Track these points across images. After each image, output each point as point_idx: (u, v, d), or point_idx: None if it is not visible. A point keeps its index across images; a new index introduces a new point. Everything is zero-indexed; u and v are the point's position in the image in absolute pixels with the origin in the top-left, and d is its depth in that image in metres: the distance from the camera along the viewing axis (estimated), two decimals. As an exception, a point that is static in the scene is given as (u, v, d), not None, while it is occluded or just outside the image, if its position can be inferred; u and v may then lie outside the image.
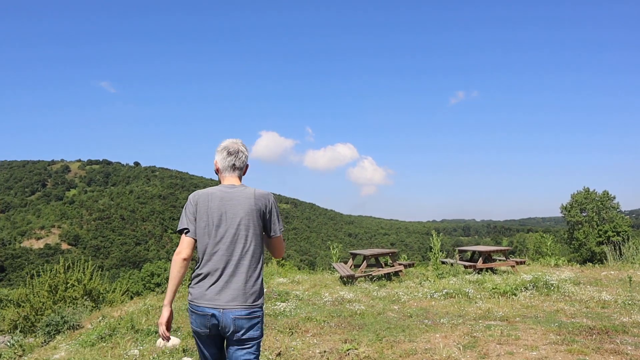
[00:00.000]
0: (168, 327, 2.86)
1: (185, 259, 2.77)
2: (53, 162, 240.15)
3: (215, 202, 2.79)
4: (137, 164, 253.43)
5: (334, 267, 12.82)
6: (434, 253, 15.85)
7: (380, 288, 10.18)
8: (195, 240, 2.80)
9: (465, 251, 14.13)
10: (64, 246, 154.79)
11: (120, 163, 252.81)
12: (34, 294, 13.18)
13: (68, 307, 11.38)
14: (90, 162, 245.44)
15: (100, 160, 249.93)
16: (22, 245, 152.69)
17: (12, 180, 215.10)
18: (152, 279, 59.74)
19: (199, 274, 2.75)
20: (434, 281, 10.29)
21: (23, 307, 13.02)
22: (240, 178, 2.99)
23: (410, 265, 11.87)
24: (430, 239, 15.92)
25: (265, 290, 7.86)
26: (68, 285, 12.93)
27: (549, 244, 17.57)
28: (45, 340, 8.57)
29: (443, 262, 13.62)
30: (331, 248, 15.82)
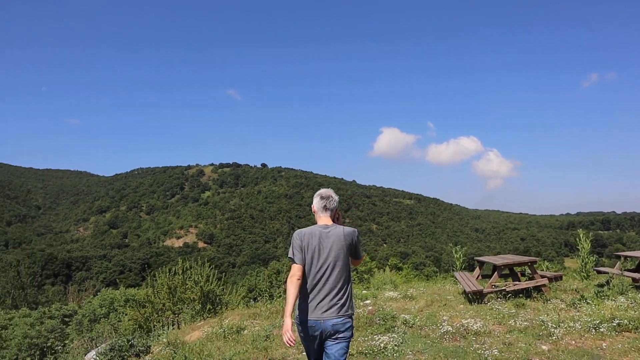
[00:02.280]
0: (290, 334, 3.51)
1: (297, 280, 3.64)
2: (189, 167, 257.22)
3: (316, 239, 3.74)
4: (264, 165, 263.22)
5: (456, 278, 10.45)
6: (582, 258, 12.77)
7: (518, 310, 7.71)
8: (302, 266, 3.70)
9: (629, 257, 10.96)
10: (201, 244, 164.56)
11: (248, 165, 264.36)
12: (154, 295, 12.84)
13: (186, 308, 11.32)
14: (221, 166, 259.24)
15: (231, 163, 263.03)
16: (164, 244, 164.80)
17: (155, 185, 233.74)
18: (278, 276, 60.36)
19: (305, 295, 3.69)
20: (595, 303, 7.57)
21: (146, 307, 12.76)
22: (331, 218, 3.91)
23: (557, 279, 9.13)
24: (577, 239, 12.92)
25: (370, 308, 8.59)
26: (187, 286, 12.48)
27: None
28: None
29: (599, 272, 10.65)
30: (454, 252, 13.37)
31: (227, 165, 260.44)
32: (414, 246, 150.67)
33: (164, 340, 7.88)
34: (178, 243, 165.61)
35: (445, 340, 6.27)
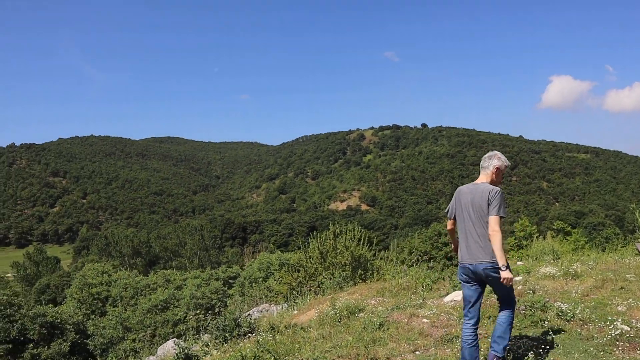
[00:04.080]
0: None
1: (449, 231, 4.64)
2: (350, 132, 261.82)
3: (465, 196, 4.34)
4: (424, 125, 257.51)
5: (638, 249, 8.08)
6: None
7: None
8: (452, 219, 4.52)
9: None
10: (364, 207, 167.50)
11: (408, 126, 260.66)
12: (306, 259, 12.86)
13: (338, 272, 11.16)
14: (381, 129, 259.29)
15: (390, 125, 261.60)
16: (329, 207, 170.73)
17: (319, 151, 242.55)
18: (440, 239, 58.17)
19: (459, 243, 4.40)
20: None
21: (299, 272, 12.83)
22: (487, 176, 4.40)
23: None
24: None
25: (519, 288, 6.92)
26: (338, 251, 12.31)
27: None
28: (207, 348, 6.74)
29: None
30: (636, 214, 10.69)
31: (387, 127, 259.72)
32: (592, 204, 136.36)
33: (268, 323, 7.02)
34: (342, 206, 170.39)
35: (618, 348, 4.39)
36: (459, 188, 4.48)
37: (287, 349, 5.32)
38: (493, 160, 4.36)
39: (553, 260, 9.65)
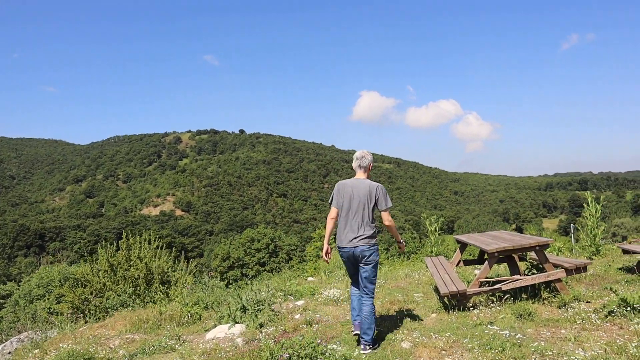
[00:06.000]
0: (328, 255, 4.97)
1: (332, 219, 4.86)
2: (166, 134, 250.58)
3: (348, 189, 4.82)
4: (242, 131, 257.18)
5: (427, 266, 7.33)
6: (590, 227, 9.87)
7: (524, 325, 4.70)
8: (336, 209, 4.85)
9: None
10: (178, 212, 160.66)
11: (226, 131, 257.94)
12: (93, 274, 11.32)
13: (129, 288, 10.14)
14: (199, 132, 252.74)
15: (208, 130, 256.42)
16: (141, 212, 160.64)
17: (132, 153, 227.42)
18: (253, 245, 56.95)
19: (339, 229, 4.81)
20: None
21: (85, 287, 11.24)
22: (364, 173, 4.94)
23: (579, 270, 5.90)
24: (587, 206, 10.09)
25: (296, 318, 6.19)
26: (131, 263, 11.13)
27: None
28: None
29: (626, 252, 7.65)
30: (427, 224, 10.31)
31: (205, 132, 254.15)
32: (393, 210, 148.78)
33: None
34: (155, 211, 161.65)
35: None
36: (340, 182, 4.97)
37: None
38: (367, 158, 4.93)
39: (344, 275, 8.66)
